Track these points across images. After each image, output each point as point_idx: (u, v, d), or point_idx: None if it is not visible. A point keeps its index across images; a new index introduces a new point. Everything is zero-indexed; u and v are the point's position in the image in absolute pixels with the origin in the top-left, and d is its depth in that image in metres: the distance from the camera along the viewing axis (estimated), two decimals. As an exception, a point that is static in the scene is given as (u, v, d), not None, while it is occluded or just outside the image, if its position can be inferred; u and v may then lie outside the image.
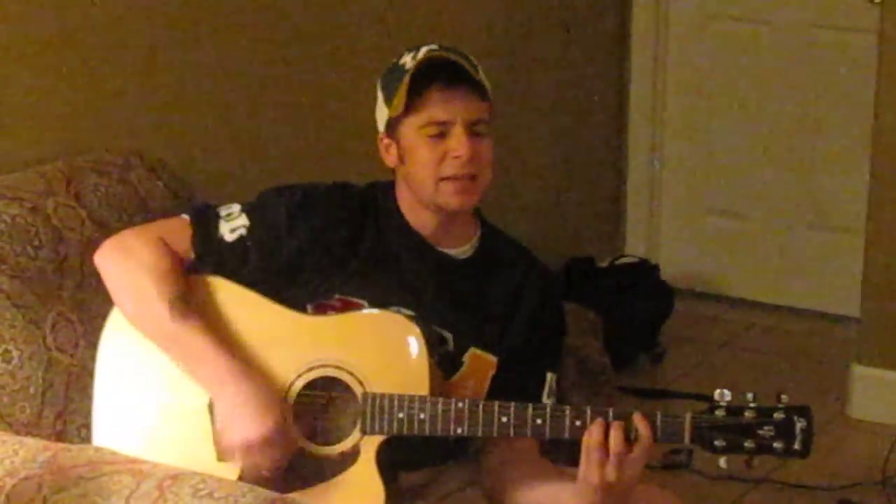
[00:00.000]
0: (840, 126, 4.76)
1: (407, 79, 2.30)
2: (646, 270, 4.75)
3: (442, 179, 2.30)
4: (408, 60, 2.34)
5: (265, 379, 2.27)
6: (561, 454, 2.35)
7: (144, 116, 3.01)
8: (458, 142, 2.29)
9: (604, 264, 4.81)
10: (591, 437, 2.15)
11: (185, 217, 2.39)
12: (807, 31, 4.78)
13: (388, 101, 2.34)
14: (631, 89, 5.08)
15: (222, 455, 2.25)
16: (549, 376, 2.41)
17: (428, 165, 2.31)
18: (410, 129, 2.32)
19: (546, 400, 2.38)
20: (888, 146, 4.00)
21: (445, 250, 2.40)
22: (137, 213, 2.59)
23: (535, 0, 4.52)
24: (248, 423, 2.22)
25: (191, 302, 2.29)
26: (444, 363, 2.34)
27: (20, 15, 2.68)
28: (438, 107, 2.29)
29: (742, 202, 5.04)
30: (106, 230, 2.46)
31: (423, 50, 2.34)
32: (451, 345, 2.36)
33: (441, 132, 2.29)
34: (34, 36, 2.72)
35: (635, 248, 5.13)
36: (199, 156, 3.13)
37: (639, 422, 2.16)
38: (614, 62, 5.04)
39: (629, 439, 2.15)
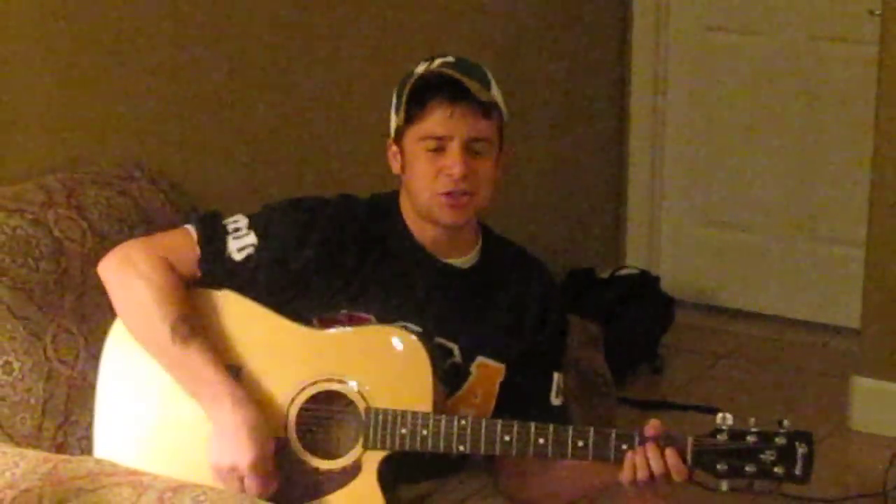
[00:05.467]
0: (840, 137, 4.76)
1: (407, 90, 2.31)
2: (646, 282, 4.75)
3: (438, 194, 2.31)
4: (420, 70, 2.34)
5: (264, 408, 2.26)
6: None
7: (146, 128, 3.01)
8: (452, 159, 2.29)
9: (604, 276, 4.81)
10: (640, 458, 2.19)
11: (191, 230, 2.37)
12: (807, 42, 4.79)
13: (397, 109, 2.35)
14: (631, 101, 5.08)
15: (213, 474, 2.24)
16: (556, 376, 2.43)
17: (424, 179, 2.31)
18: (411, 140, 2.33)
19: (555, 399, 2.41)
20: (889, 157, 4.00)
21: (449, 261, 2.40)
22: (138, 224, 2.59)
23: (535, 13, 4.52)
24: (237, 449, 2.21)
25: (194, 322, 2.28)
26: (449, 375, 2.34)
27: (21, 27, 2.69)
28: (438, 121, 2.29)
29: (743, 214, 5.04)
30: (107, 242, 2.46)
31: (438, 61, 2.34)
32: (456, 356, 2.36)
33: (439, 147, 2.30)
34: (35, 48, 2.73)
35: (636, 259, 5.13)
36: (200, 167, 3.13)
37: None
38: (615, 73, 5.04)
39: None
